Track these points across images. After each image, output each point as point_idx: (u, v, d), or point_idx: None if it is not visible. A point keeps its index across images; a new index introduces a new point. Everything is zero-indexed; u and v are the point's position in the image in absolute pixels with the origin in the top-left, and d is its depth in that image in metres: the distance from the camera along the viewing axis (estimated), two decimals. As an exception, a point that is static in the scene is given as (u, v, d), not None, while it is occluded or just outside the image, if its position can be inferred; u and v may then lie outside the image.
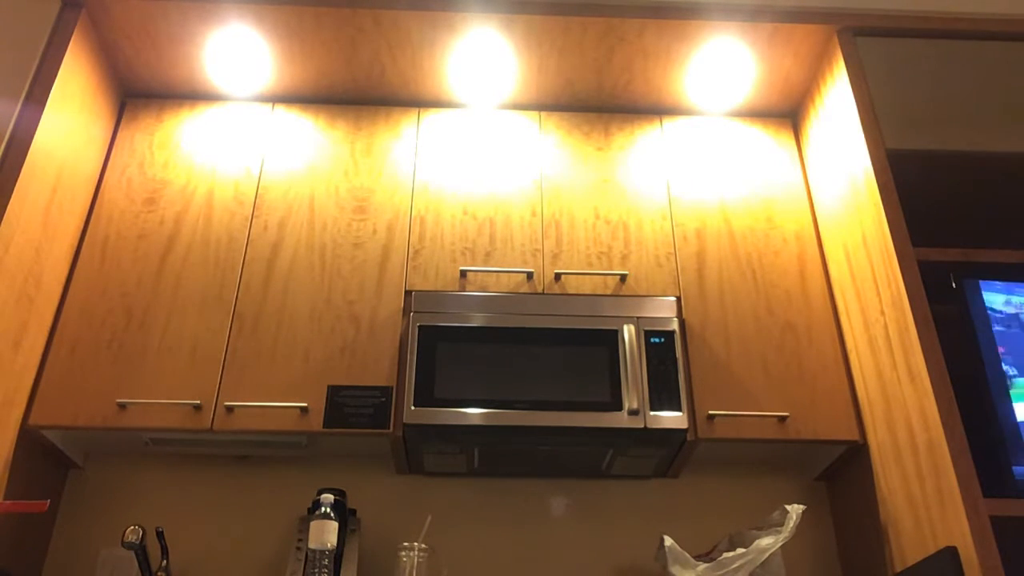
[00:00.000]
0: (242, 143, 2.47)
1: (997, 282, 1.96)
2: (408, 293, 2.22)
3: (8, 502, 1.89)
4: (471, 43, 2.40)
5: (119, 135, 2.46)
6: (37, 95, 2.11)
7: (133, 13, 2.31)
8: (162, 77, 2.50)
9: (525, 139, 2.53)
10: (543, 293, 2.24)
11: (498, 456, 2.18)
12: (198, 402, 2.03)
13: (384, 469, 2.26)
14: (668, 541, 1.95)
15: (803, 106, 2.57)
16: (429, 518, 2.01)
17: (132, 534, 1.89)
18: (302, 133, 2.50)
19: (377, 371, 2.10)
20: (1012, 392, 1.82)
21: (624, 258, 2.31)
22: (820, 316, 2.26)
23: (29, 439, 2.02)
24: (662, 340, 2.12)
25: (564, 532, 2.24)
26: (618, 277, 2.27)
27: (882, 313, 2.03)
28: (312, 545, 1.92)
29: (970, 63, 2.29)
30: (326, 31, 2.36)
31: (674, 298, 2.23)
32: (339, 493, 2.04)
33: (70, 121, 2.23)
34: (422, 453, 2.14)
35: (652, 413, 2.02)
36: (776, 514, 1.97)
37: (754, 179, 2.49)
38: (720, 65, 2.45)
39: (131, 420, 2.02)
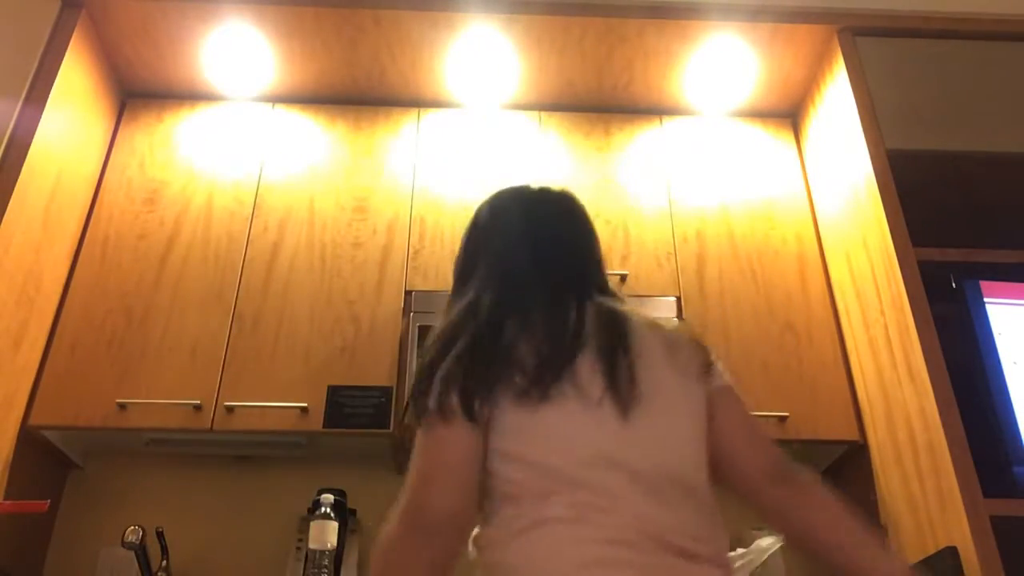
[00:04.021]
0: (242, 143, 2.46)
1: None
2: (408, 293, 2.21)
3: (8, 502, 1.89)
4: (471, 43, 2.39)
5: (119, 135, 2.46)
6: (37, 95, 2.11)
7: (133, 13, 2.30)
8: (162, 77, 2.50)
9: (525, 139, 2.53)
10: (543, 293, 2.23)
11: (498, 456, 2.17)
12: (198, 402, 2.03)
13: (384, 469, 2.25)
14: (668, 541, 1.94)
15: (803, 106, 2.56)
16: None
17: (132, 534, 1.89)
18: (302, 133, 2.50)
19: (377, 371, 2.10)
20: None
21: (624, 258, 2.31)
22: (820, 316, 2.26)
23: (29, 439, 2.02)
24: (662, 340, 2.11)
25: (564, 532, 2.24)
26: (618, 277, 2.27)
27: (882, 313, 2.02)
28: (312, 545, 1.92)
29: (970, 63, 2.28)
30: (326, 31, 2.36)
31: (674, 298, 2.23)
32: (339, 493, 2.04)
33: (70, 121, 2.23)
34: (422, 453, 2.13)
35: (652, 413, 2.01)
36: (776, 514, 1.96)
37: (754, 179, 2.49)
38: (720, 65, 2.45)
39: (131, 420, 2.02)
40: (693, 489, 1.06)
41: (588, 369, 1.06)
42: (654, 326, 1.16)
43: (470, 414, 1.03)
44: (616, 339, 1.10)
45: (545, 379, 1.03)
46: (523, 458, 1.02)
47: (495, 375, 1.05)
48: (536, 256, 1.18)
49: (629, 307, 1.17)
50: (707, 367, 1.17)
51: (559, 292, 1.14)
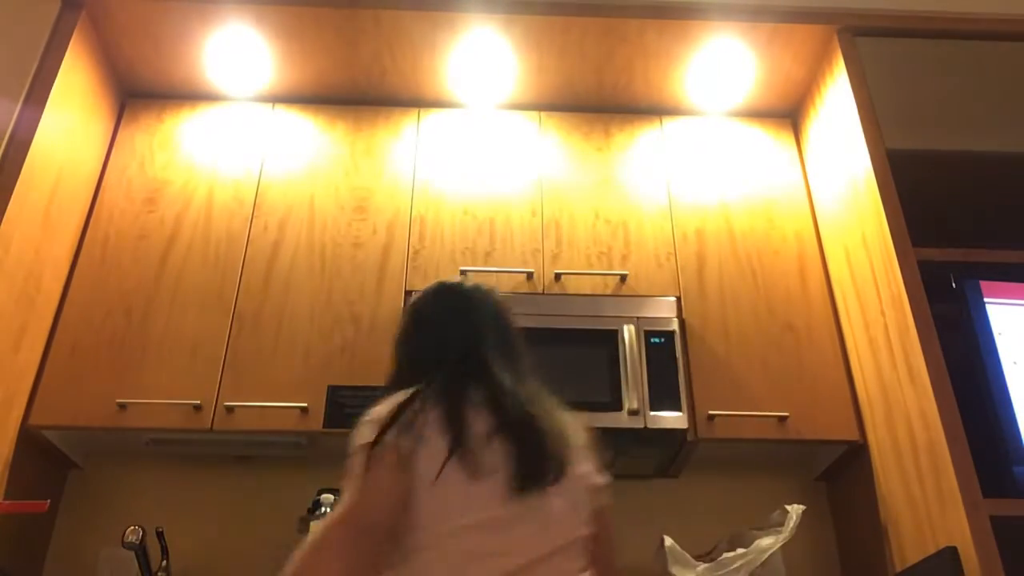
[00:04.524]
0: (242, 143, 2.47)
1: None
2: (408, 293, 2.21)
3: (8, 502, 1.89)
4: (471, 43, 2.40)
5: (119, 135, 2.46)
6: (37, 95, 2.11)
7: (133, 13, 2.31)
8: (162, 77, 2.50)
9: (525, 139, 2.53)
10: (543, 293, 2.24)
11: (498, 456, 2.18)
12: (198, 402, 2.04)
13: (384, 469, 2.25)
14: (668, 541, 1.95)
15: (803, 106, 2.56)
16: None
17: (132, 534, 1.89)
18: (302, 133, 2.50)
19: (377, 371, 2.10)
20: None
21: (624, 258, 2.31)
22: (820, 316, 2.26)
23: (29, 439, 2.02)
24: (662, 340, 2.12)
25: (564, 532, 2.24)
26: (618, 277, 2.27)
27: (882, 313, 2.02)
28: (312, 545, 1.92)
29: (970, 63, 2.28)
30: (326, 31, 2.36)
31: (674, 298, 2.23)
32: (339, 493, 2.03)
33: (70, 121, 2.23)
34: (422, 453, 2.13)
35: (652, 413, 2.02)
36: (776, 514, 1.97)
37: (754, 179, 2.49)
38: (720, 65, 2.45)
39: (131, 420, 2.02)
40: (566, 560, 1.21)
41: (501, 445, 1.21)
42: (557, 411, 1.33)
43: (413, 464, 1.19)
44: (530, 419, 1.25)
45: (476, 454, 1.19)
46: (420, 511, 1.18)
47: (450, 445, 1.20)
48: (487, 346, 1.36)
49: (541, 392, 1.34)
50: (596, 467, 1.34)
51: (499, 378, 1.31)
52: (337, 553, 1.14)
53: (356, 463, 1.21)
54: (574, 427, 1.33)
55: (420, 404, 1.24)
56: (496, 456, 1.20)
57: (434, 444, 1.19)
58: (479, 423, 1.22)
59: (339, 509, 1.18)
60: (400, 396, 1.27)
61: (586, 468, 1.30)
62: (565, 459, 1.25)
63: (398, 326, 1.47)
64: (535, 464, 1.21)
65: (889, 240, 2.00)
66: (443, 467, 1.18)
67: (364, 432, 1.24)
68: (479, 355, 1.34)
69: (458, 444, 1.19)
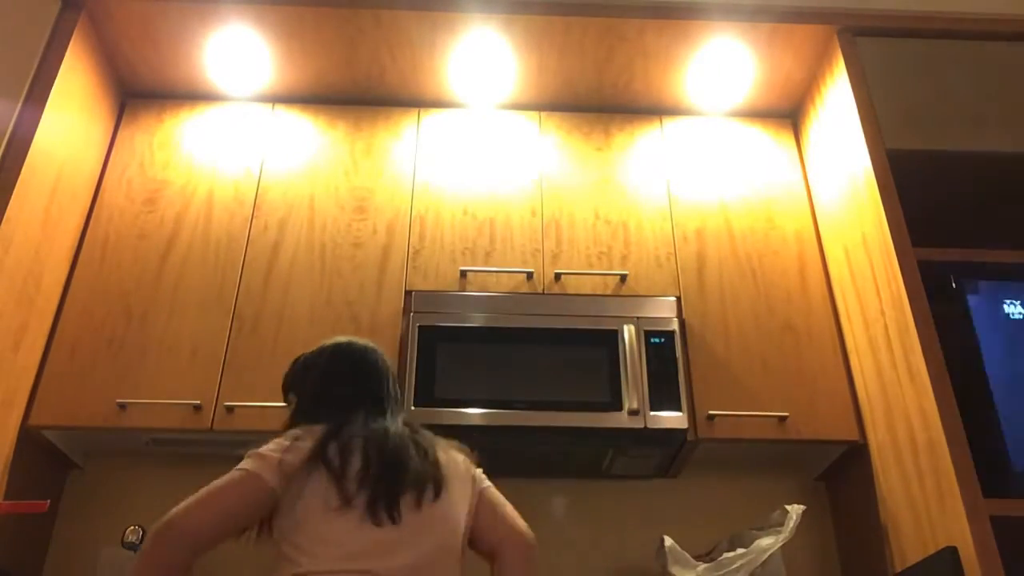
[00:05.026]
0: (242, 143, 2.47)
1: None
2: (408, 293, 2.22)
3: (8, 502, 1.89)
4: (471, 43, 2.40)
5: (119, 135, 2.46)
6: (37, 95, 2.11)
7: (133, 14, 2.31)
8: (162, 77, 2.50)
9: (525, 139, 2.53)
10: (543, 293, 2.24)
11: (498, 456, 2.17)
12: (198, 402, 2.03)
13: (384, 469, 2.25)
14: (668, 541, 1.95)
15: (803, 106, 2.56)
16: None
17: (132, 534, 1.89)
18: (302, 133, 2.50)
19: (377, 371, 2.10)
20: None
21: (624, 258, 2.31)
22: (820, 316, 2.26)
23: (29, 439, 2.02)
24: (662, 340, 2.12)
25: (564, 532, 2.24)
26: (618, 277, 2.27)
27: (882, 313, 2.03)
28: (312, 545, 1.92)
29: (970, 63, 2.28)
30: (326, 31, 2.36)
31: (674, 298, 2.23)
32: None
33: (70, 121, 2.23)
34: (422, 453, 2.13)
35: (652, 413, 2.02)
36: (776, 514, 1.97)
37: (754, 179, 2.49)
38: (720, 65, 2.45)
39: (131, 420, 2.02)
40: None
41: (368, 476, 1.34)
42: (435, 446, 1.48)
43: (286, 500, 1.33)
44: (397, 452, 1.39)
45: (348, 487, 1.33)
46: (296, 542, 1.32)
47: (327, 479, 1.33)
48: (373, 395, 1.54)
49: (421, 433, 1.50)
50: (474, 478, 1.51)
51: (382, 418, 1.48)
52: (151, 554, 1.29)
53: (219, 479, 1.34)
54: (450, 457, 1.48)
55: (308, 442, 1.36)
56: (364, 487, 1.32)
57: (312, 478, 1.32)
58: (358, 458, 1.35)
59: (174, 510, 1.29)
60: (292, 434, 1.41)
61: (458, 492, 1.44)
62: (427, 486, 1.37)
63: (312, 366, 1.61)
64: (392, 494, 1.33)
65: (889, 240, 2.00)
66: (317, 499, 1.29)
67: (244, 461, 1.37)
68: (377, 402, 1.52)
69: (334, 478, 1.31)
